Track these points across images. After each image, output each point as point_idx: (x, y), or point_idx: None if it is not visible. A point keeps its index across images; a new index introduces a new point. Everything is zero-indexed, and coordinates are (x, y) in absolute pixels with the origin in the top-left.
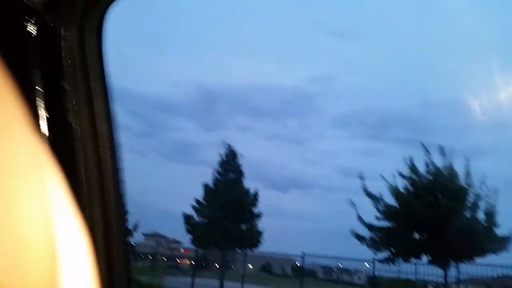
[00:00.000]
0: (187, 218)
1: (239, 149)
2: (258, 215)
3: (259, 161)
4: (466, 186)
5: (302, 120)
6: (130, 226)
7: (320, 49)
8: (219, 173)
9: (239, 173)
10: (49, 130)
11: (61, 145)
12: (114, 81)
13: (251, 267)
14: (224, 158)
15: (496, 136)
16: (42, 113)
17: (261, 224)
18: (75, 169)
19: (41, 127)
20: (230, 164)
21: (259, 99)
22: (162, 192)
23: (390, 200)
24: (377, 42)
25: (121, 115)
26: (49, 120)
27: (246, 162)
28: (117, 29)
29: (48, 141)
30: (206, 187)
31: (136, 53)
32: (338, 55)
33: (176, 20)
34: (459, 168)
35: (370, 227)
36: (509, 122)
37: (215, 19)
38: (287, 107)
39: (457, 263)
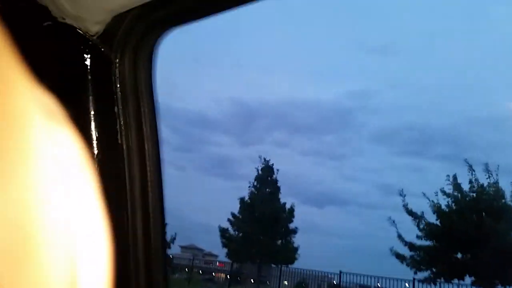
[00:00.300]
0: (223, 232)
1: (276, 164)
2: (294, 231)
3: (296, 176)
4: None
5: (340, 136)
6: (168, 238)
7: (360, 65)
8: (255, 187)
9: (275, 188)
10: (99, 149)
11: (110, 162)
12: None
13: (286, 283)
14: (261, 173)
15: None
16: (94, 134)
17: (297, 240)
18: (120, 183)
19: (93, 147)
20: (266, 179)
21: (297, 115)
22: (200, 205)
23: (432, 218)
24: (419, 58)
25: (163, 131)
26: (100, 141)
27: (282, 177)
28: (163, 52)
29: (98, 159)
30: (242, 201)
31: (178, 72)
32: (379, 71)
33: (216, 40)
34: (505, 186)
35: (411, 246)
36: None
37: (255, 38)
38: (325, 122)
39: (504, 286)
